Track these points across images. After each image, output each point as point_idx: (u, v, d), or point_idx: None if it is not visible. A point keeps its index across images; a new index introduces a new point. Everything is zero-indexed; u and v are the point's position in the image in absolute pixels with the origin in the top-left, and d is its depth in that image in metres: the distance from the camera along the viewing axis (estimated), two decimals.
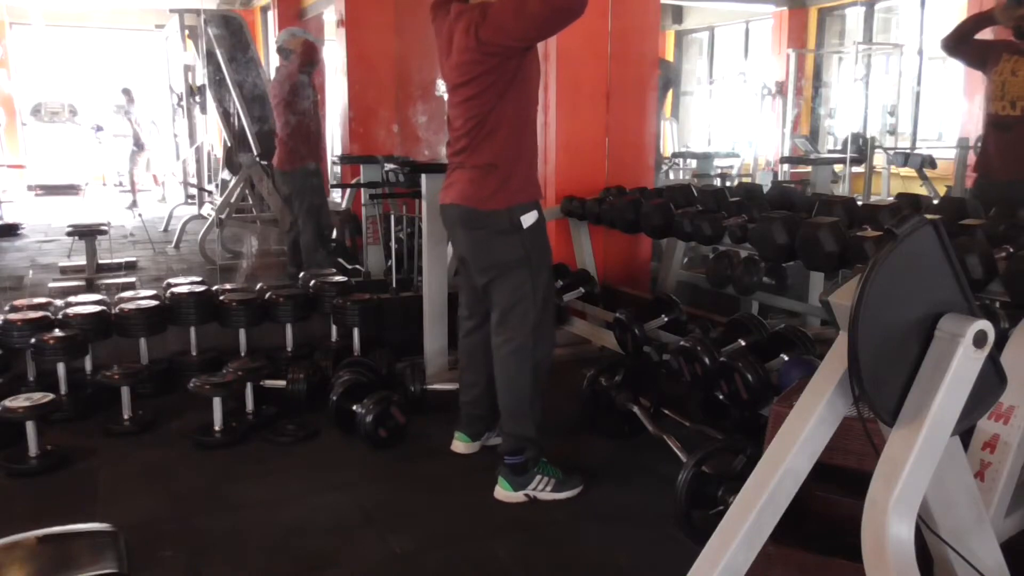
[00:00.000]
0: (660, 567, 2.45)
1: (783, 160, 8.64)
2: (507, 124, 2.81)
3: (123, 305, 3.99)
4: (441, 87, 7.43)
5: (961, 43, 4.06)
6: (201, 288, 4.25)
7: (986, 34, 4.12)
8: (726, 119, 12.37)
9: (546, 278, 2.93)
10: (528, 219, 2.84)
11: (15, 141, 11.82)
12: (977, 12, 4.21)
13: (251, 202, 7.73)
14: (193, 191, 9.45)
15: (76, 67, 12.47)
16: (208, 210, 8.18)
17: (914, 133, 8.79)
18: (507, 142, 2.83)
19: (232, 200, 7.34)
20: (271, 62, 9.91)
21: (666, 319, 3.75)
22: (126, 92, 11.50)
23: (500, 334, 2.91)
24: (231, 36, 8.27)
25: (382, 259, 5.58)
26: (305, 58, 5.61)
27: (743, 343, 3.27)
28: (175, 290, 4.18)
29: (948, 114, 9.14)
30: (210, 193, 8.97)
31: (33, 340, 3.61)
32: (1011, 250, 2.46)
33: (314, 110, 5.83)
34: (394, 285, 4.85)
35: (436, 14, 2.96)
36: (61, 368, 3.63)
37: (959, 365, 1.32)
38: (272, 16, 9.95)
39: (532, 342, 2.86)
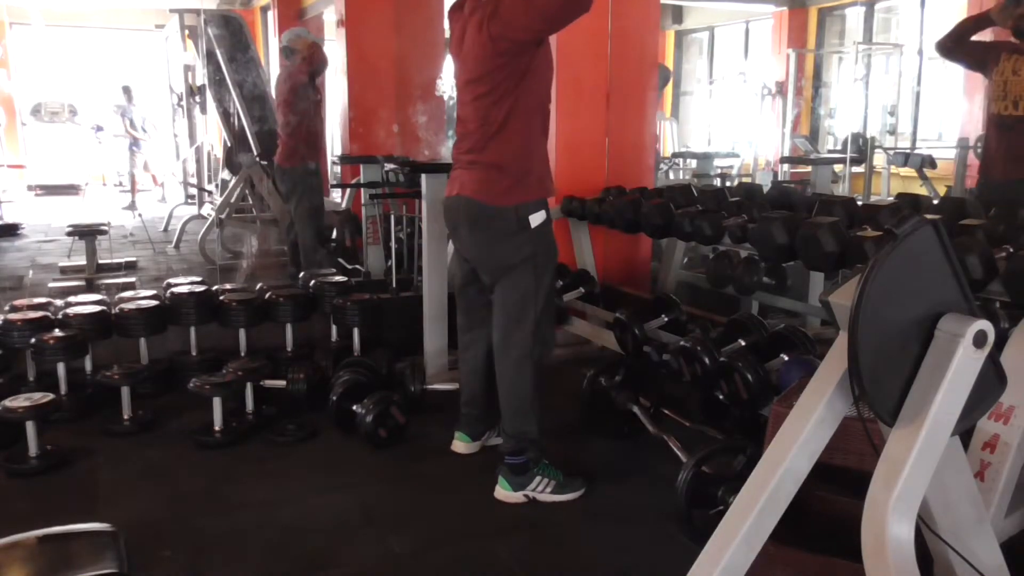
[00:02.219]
0: (660, 567, 2.45)
1: (783, 160, 8.65)
2: (518, 121, 2.80)
3: (123, 305, 3.99)
4: (441, 87, 7.45)
5: (959, 45, 4.05)
6: (201, 288, 4.26)
7: (985, 35, 4.12)
8: (726, 119, 12.37)
9: (550, 279, 2.93)
10: (536, 218, 2.82)
11: (15, 141, 11.83)
12: (973, 14, 4.20)
13: (251, 202, 7.73)
14: (193, 191, 9.45)
15: (76, 67, 12.48)
16: (208, 210, 8.18)
17: (914, 133, 8.79)
18: (518, 139, 2.81)
19: (232, 200, 7.34)
20: (271, 62, 9.93)
21: (666, 319, 3.75)
22: (126, 91, 11.49)
23: (501, 333, 2.91)
24: (231, 36, 8.26)
25: (382, 259, 5.58)
26: (313, 62, 5.62)
27: (743, 343, 3.27)
28: (175, 290, 4.18)
29: (948, 114, 9.15)
30: (210, 193, 8.97)
31: (33, 340, 3.61)
32: (1011, 250, 2.45)
33: (315, 110, 5.84)
34: (394, 285, 4.84)
35: (452, 10, 2.97)
36: (61, 368, 3.63)
37: (959, 365, 1.32)
38: (272, 16, 9.95)
39: (533, 342, 2.86)
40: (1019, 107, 3.79)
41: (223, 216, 7.05)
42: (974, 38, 4.02)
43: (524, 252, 2.82)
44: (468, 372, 3.19)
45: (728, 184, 6.61)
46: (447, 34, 7.80)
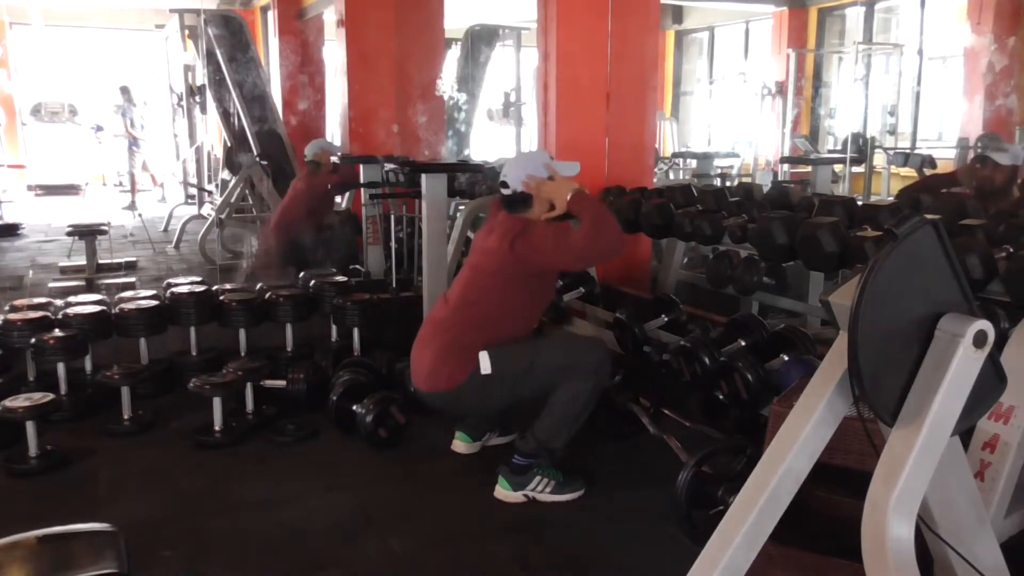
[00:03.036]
0: (660, 567, 2.45)
1: (783, 160, 8.64)
2: (496, 313, 2.88)
3: (123, 305, 3.99)
4: (441, 87, 7.46)
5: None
6: (201, 288, 4.26)
7: None
8: (726, 119, 12.37)
9: (547, 352, 2.91)
10: (485, 365, 2.82)
11: (15, 141, 11.83)
12: (935, 174, 4.31)
13: (251, 202, 7.74)
14: (193, 191, 9.45)
15: (76, 67, 12.48)
16: (208, 210, 8.18)
17: (914, 133, 8.79)
18: (486, 327, 2.87)
19: (232, 200, 7.35)
20: (271, 62, 9.92)
21: (666, 319, 3.75)
22: (124, 91, 11.49)
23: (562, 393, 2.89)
24: (231, 36, 8.28)
25: (382, 259, 5.58)
26: (344, 180, 5.88)
27: (743, 343, 3.27)
28: (175, 290, 4.18)
29: (948, 114, 9.15)
30: (210, 193, 8.97)
31: (33, 340, 3.61)
32: (1011, 250, 2.45)
33: (329, 211, 6.07)
34: (394, 285, 4.84)
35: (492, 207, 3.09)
36: (61, 368, 3.63)
37: (959, 365, 1.32)
38: (272, 16, 9.93)
39: (590, 373, 2.84)
40: None
41: (223, 216, 7.05)
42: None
43: (507, 383, 2.85)
44: None
45: (728, 184, 6.61)
46: (447, 34, 7.82)
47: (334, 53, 7.88)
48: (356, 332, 4.10)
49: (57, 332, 3.68)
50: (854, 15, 10.49)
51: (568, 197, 2.82)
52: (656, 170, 6.75)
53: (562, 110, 4.56)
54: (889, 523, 1.31)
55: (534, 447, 2.85)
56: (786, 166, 8.47)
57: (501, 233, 2.86)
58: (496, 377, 2.82)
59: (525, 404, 2.93)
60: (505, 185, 2.92)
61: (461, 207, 5.36)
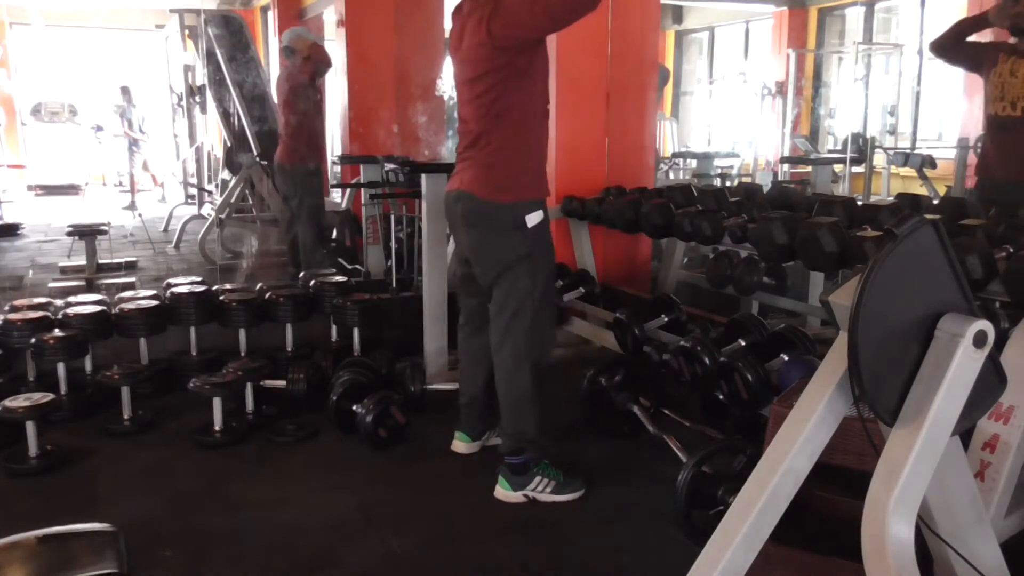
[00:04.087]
0: (660, 567, 2.45)
1: (783, 160, 8.65)
2: (517, 118, 2.81)
3: (123, 305, 3.98)
4: (441, 87, 7.45)
5: (955, 46, 4.04)
6: (201, 288, 4.25)
7: (983, 35, 4.11)
8: (726, 119, 12.38)
9: (546, 278, 2.93)
10: (533, 218, 2.82)
11: (15, 141, 11.83)
12: (969, 16, 4.19)
13: (251, 202, 7.73)
14: (193, 191, 9.45)
15: (76, 67, 12.48)
16: (208, 210, 8.18)
17: (914, 133, 8.80)
18: (517, 136, 2.82)
19: (232, 200, 7.34)
20: (271, 62, 9.92)
21: (666, 319, 3.75)
22: (124, 91, 11.49)
23: (499, 333, 2.90)
24: (231, 36, 8.27)
25: (382, 259, 5.58)
26: (315, 63, 5.66)
27: (743, 343, 3.27)
28: (175, 290, 4.18)
29: (948, 114, 9.15)
30: (210, 193, 8.97)
31: (33, 340, 3.61)
32: (1011, 250, 2.46)
33: (316, 110, 5.85)
34: (394, 285, 4.84)
35: (455, 12, 2.97)
36: (61, 368, 3.63)
37: (959, 365, 1.32)
38: (272, 16, 9.95)
39: (531, 342, 2.86)
40: (1017, 108, 3.78)
41: (223, 216, 7.06)
42: (971, 39, 4.02)
43: (520, 251, 2.82)
44: (468, 372, 3.19)
45: (728, 184, 6.61)
46: (447, 34, 7.81)
47: (334, 53, 7.88)
48: (356, 332, 4.10)
49: (57, 332, 3.68)
50: (854, 15, 10.49)
51: None
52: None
53: (562, 110, 4.56)
54: (889, 523, 1.31)
55: (512, 443, 2.86)
56: (786, 166, 8.48)
57: (475, 23, 2.76)
58: (523, 236, 2.79)
59: (488, 282, 2.92)
60: None
61: None
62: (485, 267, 2.92)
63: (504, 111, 2.78)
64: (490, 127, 2.80)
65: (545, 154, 2.98)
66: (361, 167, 6.23)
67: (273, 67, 9.75)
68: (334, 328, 4.27)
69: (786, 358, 3.02)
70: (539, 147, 2.92)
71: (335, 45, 7.62)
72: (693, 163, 8.76)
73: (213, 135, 9.67)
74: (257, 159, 7.33)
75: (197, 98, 9.03)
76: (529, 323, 2.85)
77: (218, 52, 8.11)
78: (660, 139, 10.56)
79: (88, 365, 3.81)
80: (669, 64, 13.48)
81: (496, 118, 2.79)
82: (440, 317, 3.86)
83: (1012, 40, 3.85)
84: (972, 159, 6.94)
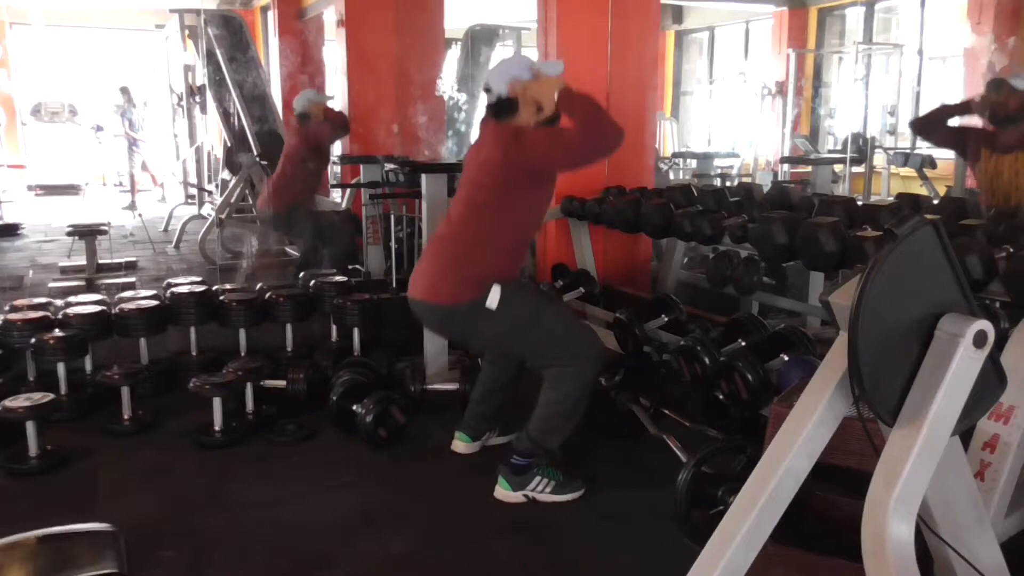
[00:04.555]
0: (660, 567, 2.45)
1: (783, 160, 8.65)
2: (497, 226, 2.82)
3: (123, 305, 3.99)
4: (441, 87, 7.46)
5: (935, 129, 4.20)
6: (201, 288, 4.25)
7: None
8: (726, 119, 12.37)
9: (549, 319, 2.86)
10: (493, 299, 2.76)
11: (15, 141, 11.83)
12: (951, 104, 4.27)
13: (251, 202, 7.72)
14: (193, 191, 9.45)
15: (76, 67, 12.47)
16: (208, 210, 8.18)
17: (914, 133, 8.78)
18: (491, 242, 2.81)
19: (232, 200, 7.34)
20: (271, 62, 9.91)
21: (666, 319, 3.75)
22: (124, 91, 11.48)
23: (550, 381, 2.85)
24: (231, 36, 8.27)
25: (382, 259, 5.58)
26: (335, 130, 5.78)
27: (743, 343, 3.27)
28: (175, 290, 4.18)
29: None
30: (210, 193, 8.97)
31: (33, 340, 3.61)
32: (1011, 250, 2.46)
33: (324, 165, 6.02)
34: (394, 285, 4.84)
35: (481, 122, 3.00)
36: (61, 368, 3.63)
37: (959, 365, 1.32)
38: (272, 16, 9.93)
39: (577, 373, 2.80)
40: (1011, 200, 3.84)
41: (223, 216, 7.05)
42: (953, 123, 4.11)
43: (503, 326, 2.80)
44: (487, 391, 3.18)
45: (728, 184, 6.61)
46: (447, 34, 7.81)
47: (334, 53, 7.88)
48: (356, 332, 4.10)
49: (57, 332, 3.68)
50: (854, 15, 10.48)
51: (555, 96, 2.72)
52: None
53: None
54: (889, 523, 1.31)
55: (529, 446, 2.84)
56: (786, 166, 8.48)
57: (493, 144, 2.78)
58: (498, 315, 2.75)
59: (498, 353, 2.93)
60: (489, 91, 2.83)
61: None
62: (483, 349, 2.95)
63: (485, 207, 2.81)
64: (468, 215, 2.83)
65: (518, 252, 2.97)
66: (361, 167, 6.23)
67: (273, 67, 9.73)
68: (334, 328, 4.27)
69: (786, 358, 3.02)
70: (507, 242, 2.88)
71: (335, 45, 7.63)
72: (693, 163, 8.77)
73: (213, 135, 9.67)
74: (257, 159, 7.32)
75: (197, 98, 9.03)
76: (567, 361, 2.80)
77: (218, 52, 8.11)
78: (660, 139, 10.57)
79: (88, 365, 3.81)
80: (669, 64, 13.49)
81: (475, 209, 2.82)
82: None
83: (991, 128, 3.92)
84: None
